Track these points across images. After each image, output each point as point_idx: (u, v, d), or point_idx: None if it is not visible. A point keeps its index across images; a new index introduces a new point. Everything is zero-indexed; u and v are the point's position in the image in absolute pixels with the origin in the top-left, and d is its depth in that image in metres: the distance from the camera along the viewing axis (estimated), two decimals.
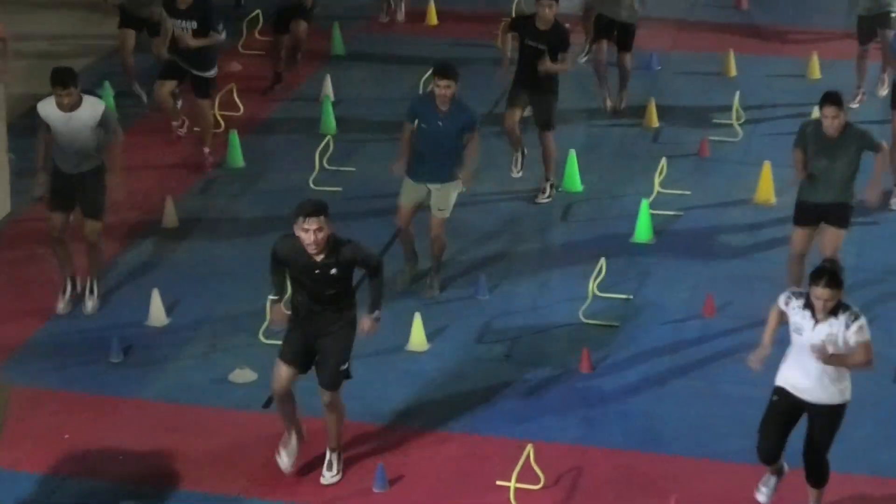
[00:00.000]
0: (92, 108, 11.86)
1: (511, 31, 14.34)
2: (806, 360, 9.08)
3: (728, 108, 15.72)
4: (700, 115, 16.00)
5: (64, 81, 11.74)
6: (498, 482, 10.01)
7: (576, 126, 15.85)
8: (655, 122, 15.87)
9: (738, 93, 15.93)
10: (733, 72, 16.98)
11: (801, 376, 9.18)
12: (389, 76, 17.14)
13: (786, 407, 9.31)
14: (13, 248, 13.15)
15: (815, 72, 17.05)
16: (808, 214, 11.83)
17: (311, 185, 14.31)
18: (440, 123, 12.18)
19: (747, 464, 10.04)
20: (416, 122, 12.37)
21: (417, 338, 11.84)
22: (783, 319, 9.29)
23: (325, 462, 10.17)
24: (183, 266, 13.06)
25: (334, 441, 10.10)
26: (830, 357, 8.97)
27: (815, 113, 14.07)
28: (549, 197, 14.26)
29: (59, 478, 10.22)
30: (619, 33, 16.08)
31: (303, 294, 9.70)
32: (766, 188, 14.11)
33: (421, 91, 15.65)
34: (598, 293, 12.39)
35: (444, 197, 12.38)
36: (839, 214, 11.76)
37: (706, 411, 10.89)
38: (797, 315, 9.08)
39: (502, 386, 11.35)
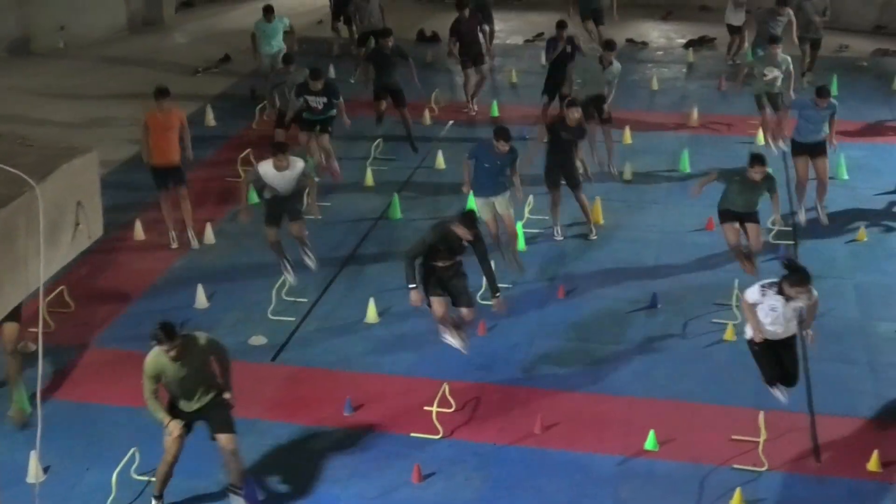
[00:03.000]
0: (297, 166, 11.87)
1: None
2: (780, 323, 9.36)
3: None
4: None
5: (283, 150, 11.81)
6: (425, 408, 10.00)
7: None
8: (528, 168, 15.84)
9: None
10: None
11: (780, 331, 9.43)
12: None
13: (769, 349, 9.56)
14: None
15: (628, 139, 17.03)
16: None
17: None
18: (498, 162, 12.34)
19: (595, 394, 10.07)
20: (476, 160, 12.51)
21: (372, 314, 11.78)
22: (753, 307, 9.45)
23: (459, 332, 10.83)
24: (218, 269, 12.89)
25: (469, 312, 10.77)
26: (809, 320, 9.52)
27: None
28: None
29: (134, 408, 10.11)
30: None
31: (441, 256, 10.35)
32: (598, 213, 14.11)
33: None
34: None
35: (506, 202, 12.61)
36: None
37: (564, 357, 10.90)
38: (772, 300, 9.24)
39: (428, 344, 11.30)
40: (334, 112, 15.04)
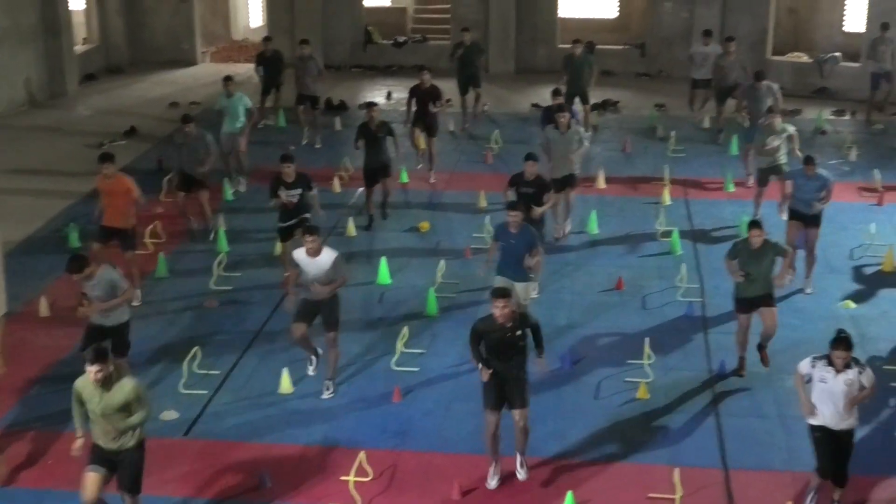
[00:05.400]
0: (328, 256, 11.26)
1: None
2: (829, 401, 9.13)
3: (482, 227, 15.80)
4: (464, 233, 16.08)
5: (312, 231, 11.25)
6: (341, 477, 9.90)
7: (385, 237, 15.87)
8: (436, 239, 15.97)
9: (487, 217, 16.02)
10: (484, 204, 17.09)
11: (828, 416, 9.19)
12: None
13: (827, 438, 9.27)
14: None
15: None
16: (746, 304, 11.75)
17: (212, 286, 14.10)
18: (512, 241, 11.97)
19: (512, 457, 10.05)
20: (498, 241, 12.15)
21: (286, 384, 11.66)
22: (804, 379, 9.30)
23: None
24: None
25: None
26: (858, 398, 9.14)
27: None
28: None
29: (43, 490, 9.85)
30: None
31: (495, 356, 9.77)
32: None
33: None
34: (403, 350, 12.34)
35: (525, 290, 12.22)
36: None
37: (478, 422, 10.83)
38: (822, 371, 9.10)
39: (343, 413, 11.23)
40: (310, 207, 13.80)
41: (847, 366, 9.07)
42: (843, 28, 25.85)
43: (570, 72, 20.29)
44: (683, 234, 15.68)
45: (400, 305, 13.75)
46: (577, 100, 20.18)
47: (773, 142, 15.59)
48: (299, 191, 13.64)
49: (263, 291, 14.01)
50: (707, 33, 21.59)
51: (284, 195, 13.57)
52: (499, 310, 9.58)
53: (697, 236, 15.87)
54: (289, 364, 11.87)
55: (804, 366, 9.31)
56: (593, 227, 16.00)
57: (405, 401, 11.44)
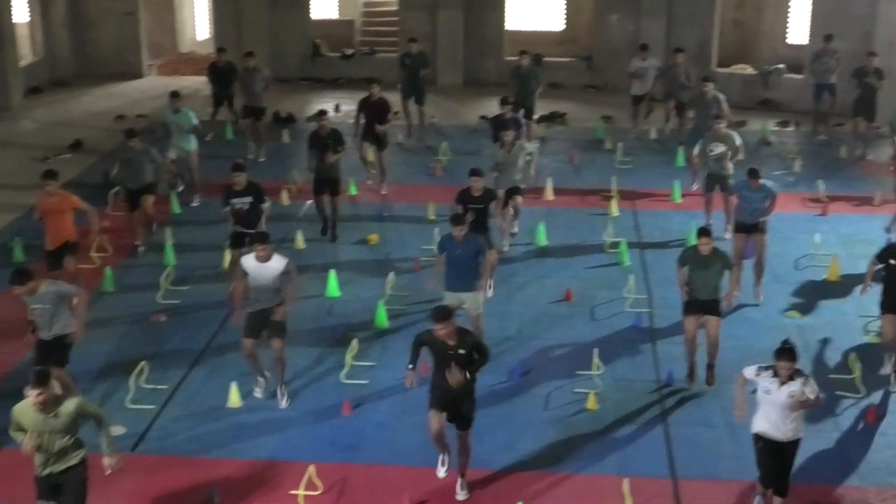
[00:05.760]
0: (278, 262, 11.29)
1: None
2: (774, 412, 9.20)
3: (431, 239, 15.75)
4: (414, 245, 16.07)
5: (262, 239, 11.27)
6: (290, 492, 9.86)
7: (334, 250, 15.83)
8: (385, 251, 15.96)
9: (436, 229, 15.97)
10: (433, 216, 17.09)
11: (773, 426, 9.26)
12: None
13: (768, 448, 9.34)
14: None
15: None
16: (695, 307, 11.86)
17: (160, 300, 13.98)
18: (458, 251, 11.87)
19: (453, 469, 10.05)
20: (445, 253, 12.00)
21: (234, 398, 11.59)
22: (746, 384, 9.39)
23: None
24: (72, 358, 12.40)
25: None
26: (801, 405, 9.15)
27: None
28: None
29: None
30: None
31: (441, 368, 9.68)
32: None
33: None
34: (353, 362, 12.31)
35: (475, 300, 12.07)
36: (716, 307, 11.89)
37: (428, 434, 10.84)
38: (766, 381, 9.15)
39: (292, 427, 11.18)
40: (262, 219, 13.80)
41: (791, 377, 9.16)
42: (787, 40, 26.17)
43: (517, 84, 20.39)
44: (631, 245, 15.78)
45: (349, 318, 13.71)
46: (522, 112, 20.26)
47: (717, 148, 15.77)
48: (249, 199, 13.71)
49: (211, 305, 13.92)
50: (643, 47, 21.76)
51: (235, 202, 13.71)
52: (439, 331, 9.56)
53: (645, 247, 15.98)
54: (237, 378, 11.81)
55: (749, 371, 9.40)
56: (542, 239, 16.06)
57: (355, 414, 11.42)
